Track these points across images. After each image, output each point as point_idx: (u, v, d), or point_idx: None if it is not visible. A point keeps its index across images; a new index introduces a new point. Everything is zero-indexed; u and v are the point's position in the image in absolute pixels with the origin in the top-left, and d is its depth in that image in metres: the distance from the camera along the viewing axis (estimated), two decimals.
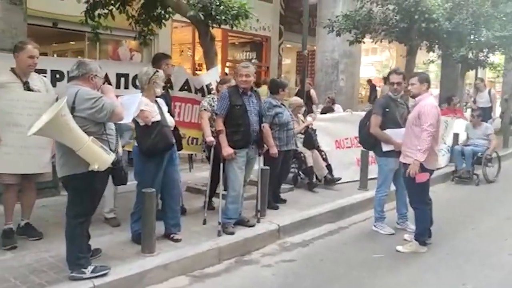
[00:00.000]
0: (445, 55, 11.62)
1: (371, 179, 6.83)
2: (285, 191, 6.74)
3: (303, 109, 7.60)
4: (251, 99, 4.95)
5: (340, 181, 7.17)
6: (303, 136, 7.10)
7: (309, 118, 7.36)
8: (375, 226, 5.61)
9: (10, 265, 3.90)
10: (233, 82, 5.31)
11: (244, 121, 4.84)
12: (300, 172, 7.24)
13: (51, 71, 5.17)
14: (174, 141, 4.56)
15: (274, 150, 5.36)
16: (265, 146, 5.30)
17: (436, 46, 9.59)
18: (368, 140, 5.51)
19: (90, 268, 3.68)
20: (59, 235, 3.86)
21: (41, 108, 3.73)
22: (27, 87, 4.30)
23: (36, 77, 4.46)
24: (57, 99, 3.75)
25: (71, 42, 11.44)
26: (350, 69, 13.38)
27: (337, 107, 10.77)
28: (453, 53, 10.50)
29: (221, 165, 5.00)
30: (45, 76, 4.88)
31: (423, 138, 4.70)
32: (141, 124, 4.37)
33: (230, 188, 4.97)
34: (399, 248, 4.97)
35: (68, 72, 4.82)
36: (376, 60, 23.94)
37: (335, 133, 7.70)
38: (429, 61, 13.65)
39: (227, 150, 4.80)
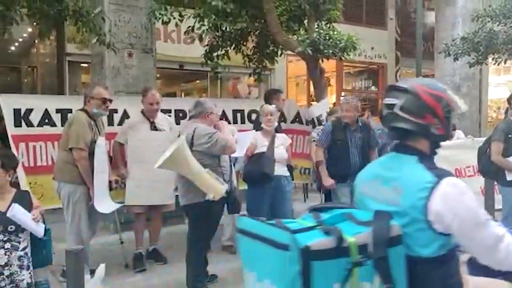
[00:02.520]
0: None
1: (498, 210, 6.30)
2: None
3: None
4: (355, 133, 4.98)
5: None
6: None
7: None
8: None
9: (139, 286, 4.36)
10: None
11: (344, 156, 4.90)
12: None
13: (175, 110, 5.72)
14: (270, 172, 4.59)
15: None
16: None
17: None
18: (490, 169, 5.13)
19: None
20: (182, 261, 4.19)
21: (164, 146, 4.15)
22: (153, 126, 4.84)
23: (161, 117, 4.99)
24: (178, 136, 4.16)
25: (196, 81, 12.41)
26: (474, 92, 12.54)
27: (457, 133, 10.12)
28: None
29: (324, 195, 5.06)
30: (170, 116, 5.42)
31: None
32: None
33: None
34: None
35: (189, 110, 5.35)
36: (509, 79, 22.05)
37: (455, 161, 7.25)
38: None
39: (327, 180, 4.88)
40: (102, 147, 4.36)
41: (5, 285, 2.96)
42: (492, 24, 8.47)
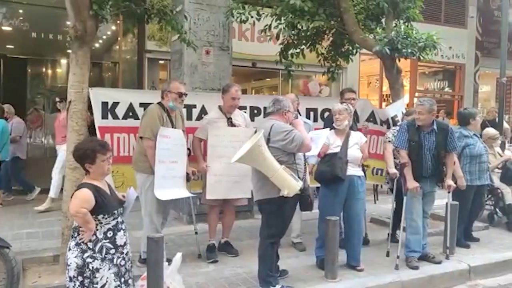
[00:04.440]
0: None
1: None
2: (479, 229, 6.27)
3: (499, 141, 6.99)
4: (429, 136, 4.83)
5: None
6: (500, 170, 6.54)
7: (507, 152, 6.73)
8: None
9: (212, 276, 4.49)
10: None
11: (417, 158, 4.80)
12: (497, 210, 6.66)
13: (250, 107, 5.81)
14: (342, 174, 4.53)
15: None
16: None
17: None
18: None
19: (278, 286, 4.04)
20: (252, 254, 4.30)
21: (241, 141, 4.24)
22: (230, 122, 4.97)
23: (237, 113, 5.11)
24: (255, 132, 4.24)
25: (267, 79, 12.52)
26: None
27: None
28: None
29: (404, 197, 4.95)
30: (245, 112, 5.52)
31: None
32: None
33: (408, 218, 4.95)
34: None
35: (264, 108, 5.43)
36: None
37: None
38: None
39: (412, 183, 4.77)
40: (173, 138, 4.50)
41: (126, 263, 3.20)
42: None
